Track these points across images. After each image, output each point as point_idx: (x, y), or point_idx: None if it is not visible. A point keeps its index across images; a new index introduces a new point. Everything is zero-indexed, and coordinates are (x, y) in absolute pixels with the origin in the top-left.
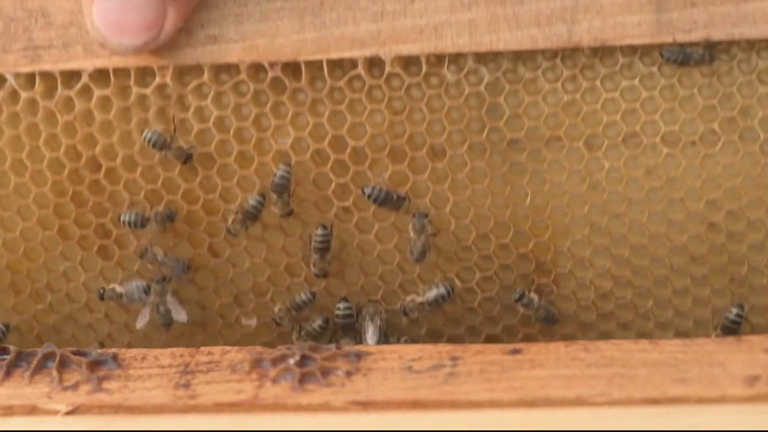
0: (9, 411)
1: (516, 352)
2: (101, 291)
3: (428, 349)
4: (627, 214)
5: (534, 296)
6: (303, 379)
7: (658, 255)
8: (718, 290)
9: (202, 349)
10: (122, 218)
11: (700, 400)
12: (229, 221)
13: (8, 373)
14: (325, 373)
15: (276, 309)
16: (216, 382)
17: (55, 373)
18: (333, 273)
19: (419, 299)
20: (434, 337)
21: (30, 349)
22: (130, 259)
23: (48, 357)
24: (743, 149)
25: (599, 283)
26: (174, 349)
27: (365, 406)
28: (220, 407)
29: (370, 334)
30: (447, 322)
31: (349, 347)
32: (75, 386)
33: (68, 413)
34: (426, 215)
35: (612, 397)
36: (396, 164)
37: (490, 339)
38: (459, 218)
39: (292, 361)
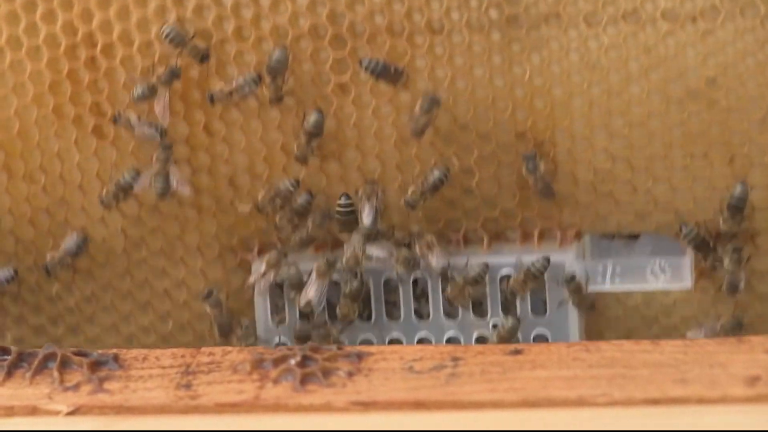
0: (10, 411)
1: (517, 352)
2: (102, 198)
3: (429, 349)
4: (626, 91)
5: (541, 164)
6: (304, 380)
7: (657, 132)
8: (719, 168)
9: (203, 349)
10: (133, 95)
11: (701, 401)
12: (216, 88)
13: (9, 374)
14: (327, 373)
15: (259, 197)
16: (217, 382)
17: (56, 373)
18: (330, 153)
19: (419, 189)
20: (431, 222)
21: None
22: (125, 138)
23: (49, 358)
24: (744, 24)
25: (598, 161)
26: (175, 350)
27: (366, 406)
28: (221, 408)
29: (366, 213)
30: (445, 206)
31: (350, 347)
32: (76, 387)
33: (69, 414)
34: (438, 101)
35: (613, 398)
36: (394, 39)
37: (488, 222)
38: (457, 95)
39: (293, 361)
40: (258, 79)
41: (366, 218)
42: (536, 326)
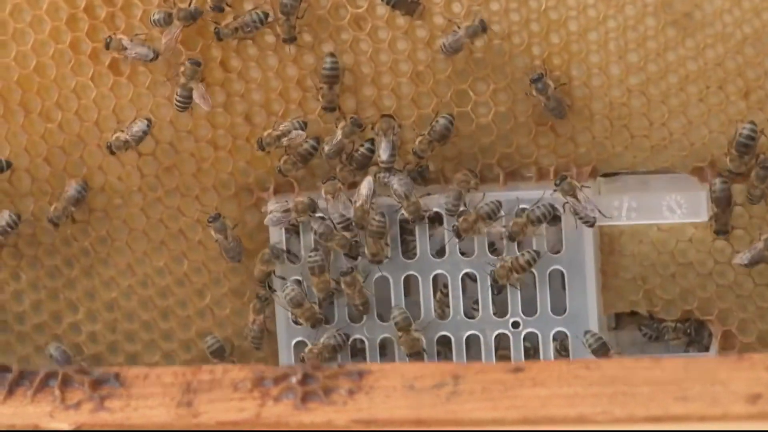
0: (12, 430)
1: (518, 370)
2: (109, 145)
3: (430, 367)
4: (642, 24)
5: (550, 82)
6: (305, 398)
7: (673, 65)
8: (735, 102)
9: (204, 367)
10: (151, 18)
11: (702, 418)
12: (222, 24)
13: (10, 392)
14: (328, 391)
15: (264, 134)
16: (218, 400)
17: (57, 391)
18: (344, 88)
19: (427, 138)
20: (447, 159)
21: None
22: (143, 73)
23: (50, 376)
24: None
25: (614, 95)
26: (176, 368)
27: (368, 424)
28: (222, 426)
29: (383, 148)
30: (461, 140)
31: (351, 365)
32: (77, 405)
33: None
34: (486, 28)
35: (614, 415)
36: None
37: (504, 159)
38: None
39: (294, 379)
40: (265, 17)
41: (383, 153)
42: (552, 263)
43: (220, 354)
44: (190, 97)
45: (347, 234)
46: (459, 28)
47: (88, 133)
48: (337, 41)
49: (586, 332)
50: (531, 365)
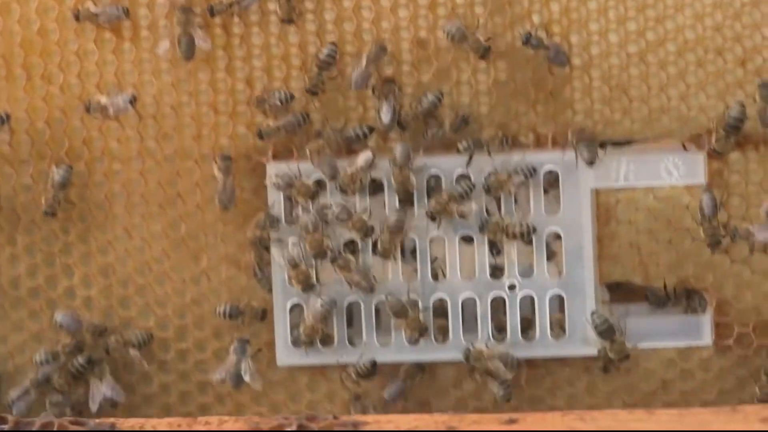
0: None
1: (512, 422)
2: (87, 103)
3: (425, 419)
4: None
5: (542, 34)
6: None
7: (671, 33)
8: (732, 69)
9: (200, 418)
10: None
11: None
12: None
13: None
14: None
15: (256, 92)
16: None
17: None
18: (347, 51)
19: (413, 111)
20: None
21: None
22: (146, 39)
23: (46, 426)
24: None
25: (613, 62)
26: (171, 419)
27: None
28: None
29: (384, 111)
30: (460, 107)
31: (346, 417)
32: None
33: None
34: (486, 56)
35: None
36: None
37: (502, 126)
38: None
39: (289, 431)
40: None
41: (384, 116)
42: (549, 224)
43: (235, 315)
44: (193, 43)
45: (364, 216)
46: (470, 35)
47: (89, 96)
48: (339, 7)
49: (593, 313)
50: (525, 417)
